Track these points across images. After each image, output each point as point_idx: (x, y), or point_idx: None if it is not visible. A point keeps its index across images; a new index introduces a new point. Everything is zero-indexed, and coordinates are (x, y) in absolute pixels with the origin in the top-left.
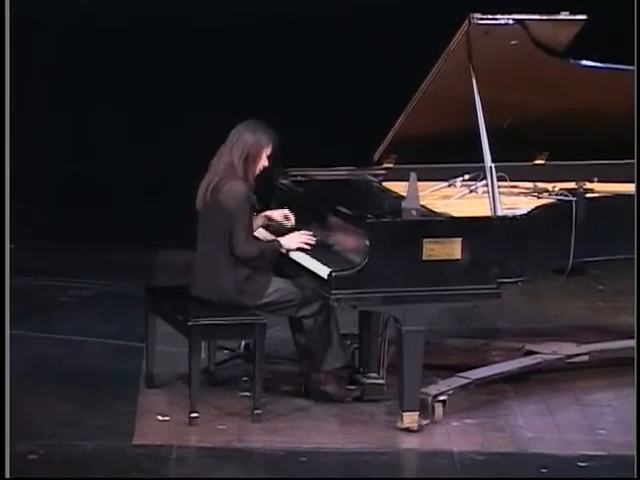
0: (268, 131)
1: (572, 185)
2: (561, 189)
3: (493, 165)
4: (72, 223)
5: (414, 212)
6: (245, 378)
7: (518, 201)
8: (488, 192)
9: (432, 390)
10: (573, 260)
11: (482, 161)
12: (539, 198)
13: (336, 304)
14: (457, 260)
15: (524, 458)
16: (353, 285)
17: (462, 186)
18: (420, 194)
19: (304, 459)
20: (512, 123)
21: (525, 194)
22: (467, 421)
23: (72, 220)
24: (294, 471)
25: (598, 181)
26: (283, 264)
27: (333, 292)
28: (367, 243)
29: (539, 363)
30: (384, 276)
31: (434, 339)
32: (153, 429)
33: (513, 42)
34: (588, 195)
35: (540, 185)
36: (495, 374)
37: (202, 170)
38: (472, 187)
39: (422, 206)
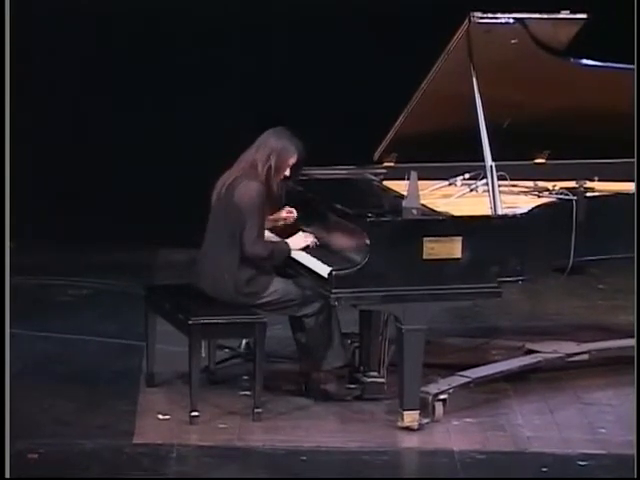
0: (296, 141)
1: (572, 184)
2: (561, 188)
3: (493, 164)
4: (72, 222)
5: (414, 211)
6: (245, 377)
7: (518, 200)
8: (488, 191)
9: (432, 389)
10: (573, 259)
11: (482, 160)
12: (539, 197)
13: (336, 303)
14: (457, 259)
15: (524, 457)
16: (353, 284)
17: (462, 185)
18: (420, 193)
19: (304, 458)
20: (512, 122)
21: (525, 193)
22: (467, 420)
23: (72, 219)
24: (294, 470)
25: (598, 180)
26: (284, 263)
27: (333, 291)
28: (367, 242)
29: (539, 362)
30: (384, 275)
31: (434, 338)
32: (153, 428)
33: (513, 41)
34: (588, 194)
35: (540, 184)
36: (495, 373)
37: (203, 170)
38: (472, 186)
39: (422, 205)
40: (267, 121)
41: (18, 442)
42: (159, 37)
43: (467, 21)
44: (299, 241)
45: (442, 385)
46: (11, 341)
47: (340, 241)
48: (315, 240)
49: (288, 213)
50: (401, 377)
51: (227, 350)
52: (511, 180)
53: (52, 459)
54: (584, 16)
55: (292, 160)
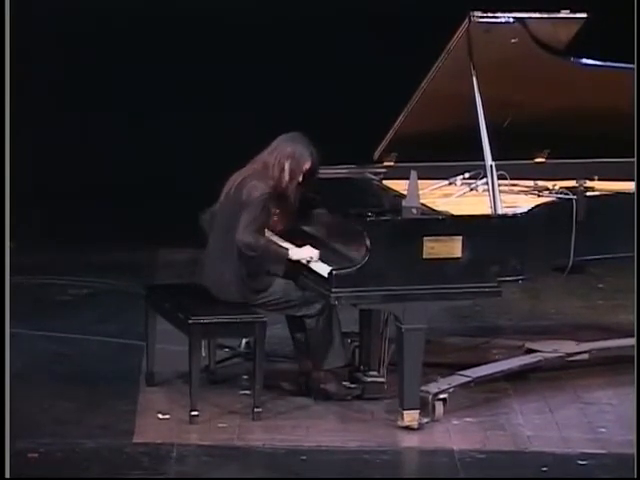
0: (311, 147)
1: (572, 183)
2: (561, 187)
3: (493, 163)
4: (72, 222)
5: (414, 210)
6: (245, 376)
7: (518, 199)
8: (488, 190)
9: (432, 388)
10: (573, 258)
11: (482, 159)
12: (539, 196)
13: (336, 302)
14: (457, 258)
15: (524, 456)
16: (353, 283)
17: (462, 184)
18: (420, 192)
19: (304, 457)
20: (512, 121)
21: (525, 192)
22: (467, 419)
23: (71, 218)
24: (294, 469)
25: (598, 179)
26: (285, 263)
27: (333, 290)
28: (367, 241)
29: (539, 361)
30: (384, 274)
31: (434, 337)
32: (153, 427)
33: (513, 40)
34: (588, 193)
35: (540, 183)
36: (495, 372)
37: (202, 168)
38: (472, 185)
39: (422, 204)
40: (268, 120)
41: (18, 442)
42: (159, 37)
43: (467, 20)
44: (302, 252)
45: (442, 384)
46: (11, 341)
47: (340, 241)
48: (317, 258)
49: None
50: (401, 376)
51: (227, 349)
52: (511, 179)
53: (52, 459)
54: (584, 15)
55: (306, 166)
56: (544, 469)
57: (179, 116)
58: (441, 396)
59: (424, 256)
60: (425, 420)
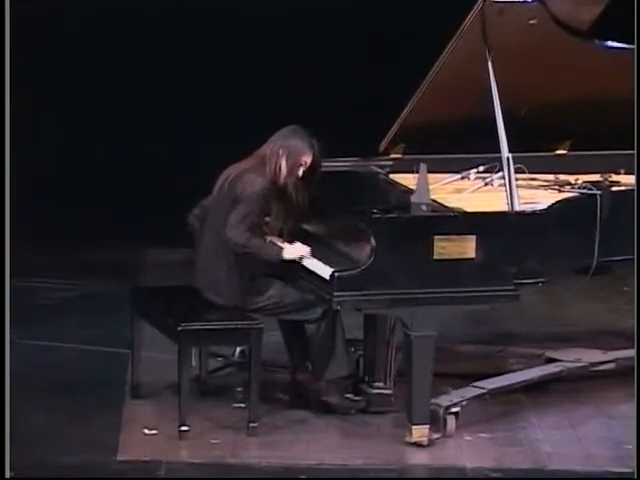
0: (310, 139)
1: (597, 177)
2: (585, 182)
3: (510, 156)
4: (53, 221)
5: (424, 207)
6: (240, 388)
7: (537, 195)
8: (505, 185)
9: (444, 401)
10: (597, 259)
11: (498, 151)
12: (560, 192)
13: (339, 307)
14: (471, 259)
15: (543, 475)
16: (358, 286)
17: (476, 179)
18: (431, 187)
19: (304, 476)
20: (531, 110)
21: (545, 187)
22: (481, 435)
23: (53, 217)
24: None
25: (625, 173)
26: (284, 265)
27: (336, 294)
28: (373, 241)
29: (560, 371)
30: (391, 276)
31: (446, 345)
32: (139, 443)
33: (531, 21)
34: (614, 188)
35: (562, 177)
36: (512, 383)
37: (190, 166)
38: (487, 180)
39: (433, 200)
40: (267, 111)
41: None
42: (158, 37)
43: (481, 0)
44: (294, 251)
45: (454, 397)
46: None
47: (343, 240)
48: (309, 255)
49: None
50: (409, 388)
51: (220, 358)
52: (529, 173)
53: (30, 476)
54: None
55: (305, 159)
56: None
57: (174, 112)
58: (453, 409)
59: (435, 257)
60: (436, 436)
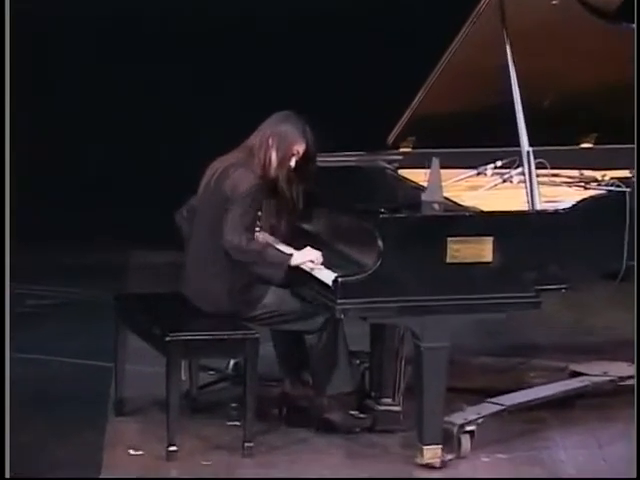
0: (302, 126)
1: (625, 173)
2: (612, 178)
3: (531, 149)
4: (31, 220)
5: (436, 206)
6: (234, 404)
7: (561, 192)
8: (525, 182)
9: (458, 419)
10: (626, 263)
11: (518, 145)
12: (586, 189)
13: (343, 315)
14: (487, 263)
15: None
16: (363, 293)
17: (494, 175)
18: (443, 184)
19: None
20: (554, 99)
21: (569, 184)
22: (499, 455)
23: (31, 216)
24: None
25: None
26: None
27: (339, 301)
28: (380, 243)
29: (586, 386)
30: (400, 282)
31: (460, 357)
32: (124, 465)
33: (554, 2)
34: None
35: (587, 173)
36: (533, 399)
37: (177, 166)
38: (506, 176)
39: (446, 198)
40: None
41: None
42: (159, 37)
43: None
44: (304, 256)
45: (469, 414)
46: None
47: (347, 242)
48: (320, 261)
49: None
50: (420, 404)
51: (212, 372)
52: (552, 169)
53: (30, 477)
54: None
55: (297, 147)
56: None
57: (168, 109)
58: (468, 428)
59: (448, 260)
60: (449, 457)
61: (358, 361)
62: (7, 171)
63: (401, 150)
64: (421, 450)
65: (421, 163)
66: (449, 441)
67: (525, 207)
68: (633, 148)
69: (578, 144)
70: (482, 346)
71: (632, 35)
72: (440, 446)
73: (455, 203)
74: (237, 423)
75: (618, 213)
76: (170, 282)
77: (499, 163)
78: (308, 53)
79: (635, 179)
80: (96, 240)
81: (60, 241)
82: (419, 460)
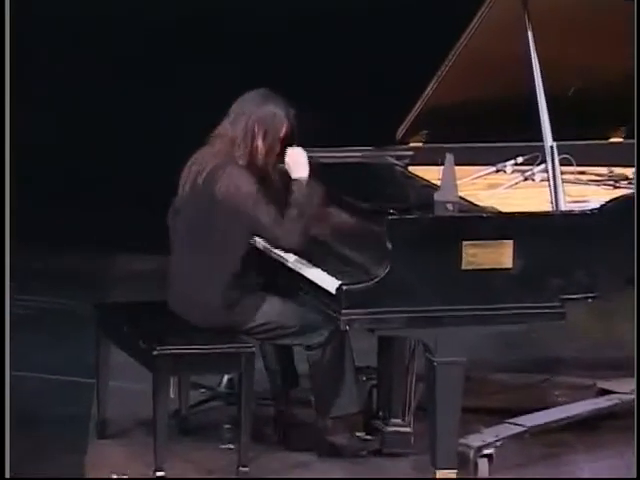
0: (282, 103)
1: None
2: None
3: (555, 144)
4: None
5: (450, 206)
6: (228, 425)
7: (588, 191)
8: (548, 180)
9: (474, 441)
10: None
11: (540, 139)
12: (615, 187)
13: (347, 327)
14: (507, 269)
15: None
16: (370, 302)
17: (514, 172)
18: (458, 182)
19: None
20: (580, 89)
21: (597, 182)
22: None
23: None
24: None
25: None
26: (281, 277)
27: (344, 311)
28: (388, 247)
29: (614, 405)
30: (411, 290)
31: (477, 373)
32: None
33: None
34: None
35: (617, 170)
36: (557, 420)
37: (163, 167)
38: (527, 173)
39: (461, 198)
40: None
41: None
42: (158, 37)
43: None
44: (299, 167)
45: (487, 436)
46: None
47: (352, 245)
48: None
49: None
50: (433, 425)
51: (204, 390)
52: (578, 165)
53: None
54: None
55: (284, 130)
56: None
57: (163, 107)
58: (486, 451)
59: (463, 266)
60: None
61: (365, 378)
62: (7, 173)
63: (412, 145)
64: (434, 474)
65: (434, 159)
66: (465, 465)
67: (548, 208)
68: None
69: (607, 138)
70: (501, 361)
71: None
72: (455, 471)
73: (471, 203)
74: (231, 446)
75: None
76: (157, 290)
77: (520, 159)
78: (310, 47)
79: (635, 179)
80: (75, 244)
81: (34, 245)
82: None
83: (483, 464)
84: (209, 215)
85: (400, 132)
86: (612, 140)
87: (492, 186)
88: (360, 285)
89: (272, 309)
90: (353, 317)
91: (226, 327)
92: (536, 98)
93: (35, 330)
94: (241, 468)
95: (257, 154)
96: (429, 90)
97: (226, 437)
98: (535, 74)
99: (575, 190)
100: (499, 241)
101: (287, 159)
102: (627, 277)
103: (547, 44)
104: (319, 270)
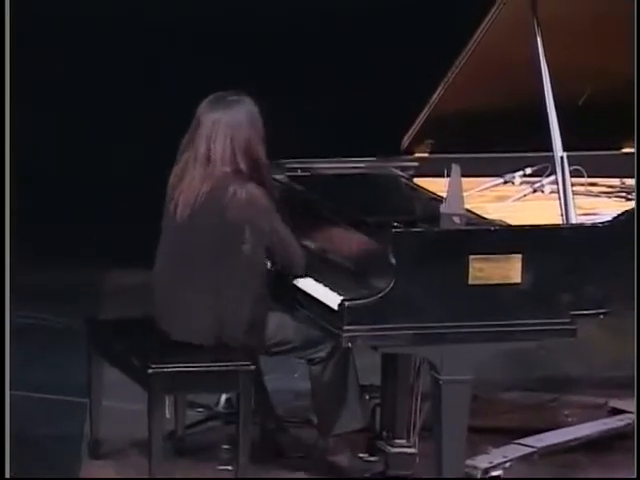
0: (249, 112)
1: None
2: None
3: (565, 155)
4: None
5: (457, 219)
6: (225, 446)
7: (599, 204)
8: (558, 192)
9: (481, 462)
10: None
11: (550, 149)
12: (628, 200)
13: (350, 344)
14: (516, 284)
15: None
16: (374, 318)
17: (523, 183)
18: (465, 194)
19: None
20: (591, 97)
21: (609, 194)
22: None
23: None
24: None
25: None
26: (281, 292)
27: (346, 328)
28: (392, 261)
29: (627, 425)
30: (416, 306)
31: (484, 392)
32: None
33: None
34: None
35: (629, 182)
36: (568, 440)
37: (154, 174)
38: (536, 185)
39: (468, 210)
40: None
41: None
42: (158, 37)
43: None
44: None
45: (495, 457)
46: None
47: (355, 260)
48: None
49: None
50: (439, 446)
51: (201, 409)
52: (589, 177)
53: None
54: None
55: (258, 142)
56: None
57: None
58: (494, 473)
59: (470, 281)
60: None
61: (368, 396)
62: (7, 175)
63: (417, 156)
64: None
65: (440, 170)
66: None
67: (558, 220)
68: None
69: (619, 149)
70: (509, 380)
71: None
72: None
73: (478, 216)
74: (229, 467)
75: None
76: (151, 305)
77: (529, 170)
78: (310, 47)
79: (635, 179)
80: (65, 258)
81: (23, 259)
82: None
83: None
84: (224, 239)
85: (405, 142)
86: (624, 150)
87: (500, 198)
88: (363, 301)
89: (270, 323)
90: (356, 334)
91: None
92: (545, 106)
93: (24, 346)
94: None
95: (261, 167)
96: (435, 97)
97: (224, 458)
98: (544, 81)
99: (586, 202)
100: (507, 255)
101: None
102: None
103: (557, 50)
104: (320, 285)
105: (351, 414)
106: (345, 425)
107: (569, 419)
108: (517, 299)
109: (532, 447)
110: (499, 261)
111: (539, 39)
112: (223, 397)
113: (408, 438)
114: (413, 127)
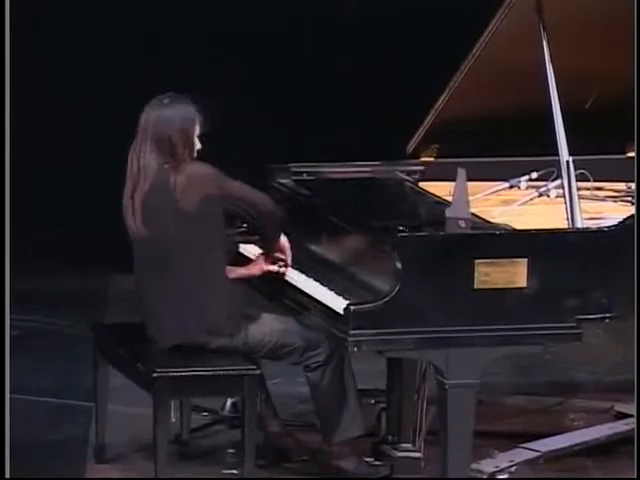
0: (187, 105)
1: None
2: None
3: (571, 159)
4: None
5: (462, 223)
6: (231, 450)
7: (605, 208)
8: (564, 196)
9: (487, 466)
10: None
11: (556, 154)
12: (634, 204)
13: (356, 349)
14: (521, 289)
15: None
16: (379, 322)
17: (528, 188)
18: (471, 198)
19: None
20: (597, 101)
21: (615, 198)
22: None
23: None
24: None
25: None
26: (281, 294)
27: (352, 332)
28: (398, 265)
29: (633, 429)
30: (421, 310)
31: (490, 396)
32: None
33: None
34: None
35: (635, 186)
36: (573, 445)
37: None
38: (542, 189)
39: (473, 214)
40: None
41: None
42: (158, 37)
43: None
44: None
45: (501, 461)
46: None
47: (360, 264)
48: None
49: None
50: (444, 450)
51: (206, 413)
52: (595, 181)
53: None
54: None
55: (197, 129)
56: None
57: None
58: (499, 477)
59: (476, 285)
60: None
61: (373, 401)
62: (7, 176)
63: (422, 160)
64: None
65: (445, 174)
66: None
67: (564, 225)
68: None
69: (625, 153)
70: (515, 384)
71: None
72: None
73: (484, 220)
74: (234, 472)
75: None
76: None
77: (534, 175)
78: (310, 48)
79: (635, 180)
80: (71, 262)
81: (28, 264)
82: None
83: None
84: (180, 230)
85: (410, 146)
86: (630, 154)
87: (506, 202)
88: (369, 305)
89: (268, 326)
90: (361, 338)
91: (227, 349)
92: (551, 110)
93: (29, 351)
94: None
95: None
96: (441, 102)
97: (229, 462)
98: (550, 85)
99: (592, 207)
100: (513, 259)
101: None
102: None
103: (563, 54)
104: (325, 289)
105: (351, 420)
106: (346, 432)
107: (575, 423)
108: (522, 303)
109: (537, 451)
110: (505, 265)
111: (545, 43)
112: (229, 401)
113: (414, 442)
114: (419, 131)
